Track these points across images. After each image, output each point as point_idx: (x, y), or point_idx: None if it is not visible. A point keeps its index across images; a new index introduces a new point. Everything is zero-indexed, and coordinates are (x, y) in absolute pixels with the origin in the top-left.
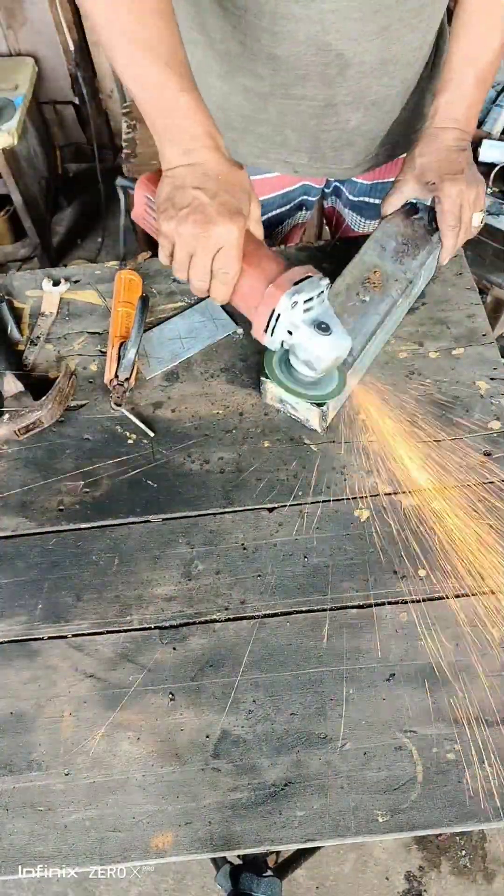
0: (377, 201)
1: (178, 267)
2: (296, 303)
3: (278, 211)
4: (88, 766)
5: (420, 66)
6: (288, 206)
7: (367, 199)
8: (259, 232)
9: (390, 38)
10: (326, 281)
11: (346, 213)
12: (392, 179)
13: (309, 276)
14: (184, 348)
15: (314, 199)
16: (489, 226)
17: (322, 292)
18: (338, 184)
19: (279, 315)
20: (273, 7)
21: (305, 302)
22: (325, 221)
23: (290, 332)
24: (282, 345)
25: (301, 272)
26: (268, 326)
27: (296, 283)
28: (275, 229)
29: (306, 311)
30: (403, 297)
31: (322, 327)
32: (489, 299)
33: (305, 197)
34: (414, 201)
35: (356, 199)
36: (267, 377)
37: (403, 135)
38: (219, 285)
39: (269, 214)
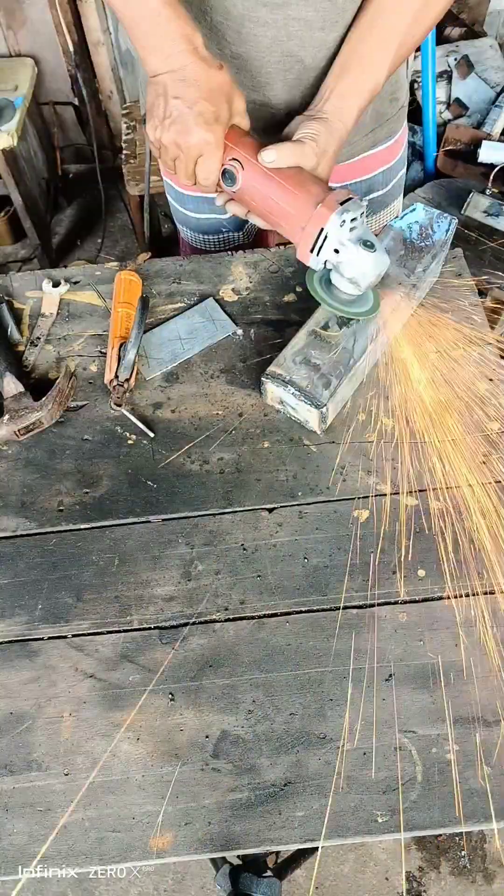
0: None
1: (166, 169)
2: (344, 221)
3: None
4: (88, 766)
5: None
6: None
7: None
8: (245, 123)
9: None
10: (366, 201)
11: None
12: (359, 179)
13: (351, 198)
14: (183, 349)
15: None
16: (488, 227)
17: (363, 212)
18: None
19: (327, 234)
20: (241, 10)
21: (351, 221)
22: None
23: (336, 251)
24: (324, 265)
25: (344, 194)
26: (314, 246)
27: (341, 203)
28: (246, 224)
29: (351, 229)
30: (407, 300)
31: (367, 244)
32: (488, 300)
33: None
34: (422, 209)
35: None
36: (313, 297)
37: (361, 138)
38: (201, 188)
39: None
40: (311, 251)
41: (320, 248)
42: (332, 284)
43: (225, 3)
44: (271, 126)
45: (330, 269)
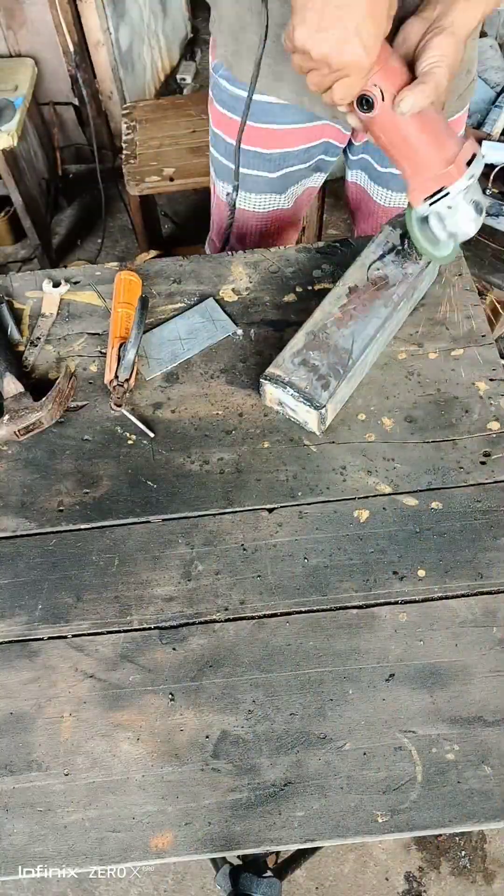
0: None
1: (298, 69)
2: (468, 187)
3: (298, 167)
4: (88, 766)
5: None
6: (307, 165)
7: (394, 171)
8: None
9: None
10: (484, 157)
11: (372, 186)
12: None
13: (475, 154)
14: (183, 349)
15: (332, 159)
16: (488, 227)
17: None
18: (365, 155)
19: (447, 193)
20: None
21: (471, 181)
22: (346, 200)
23: (449, 207)
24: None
25: (470, 149)
26: (431, 197)
27: (468, 163)
28: (291, 187)
29: (469, 189)
30: (405, 300)
31: (478, 207)
32: (488, 300)
33: (324, 157)
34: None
35: (384, 170)
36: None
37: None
38: (334, 102)
39: (289, 169)
40: (426, 200)
41: (436, 200)
42: (425, 224)
43: None
44: None
45: (429, 214)
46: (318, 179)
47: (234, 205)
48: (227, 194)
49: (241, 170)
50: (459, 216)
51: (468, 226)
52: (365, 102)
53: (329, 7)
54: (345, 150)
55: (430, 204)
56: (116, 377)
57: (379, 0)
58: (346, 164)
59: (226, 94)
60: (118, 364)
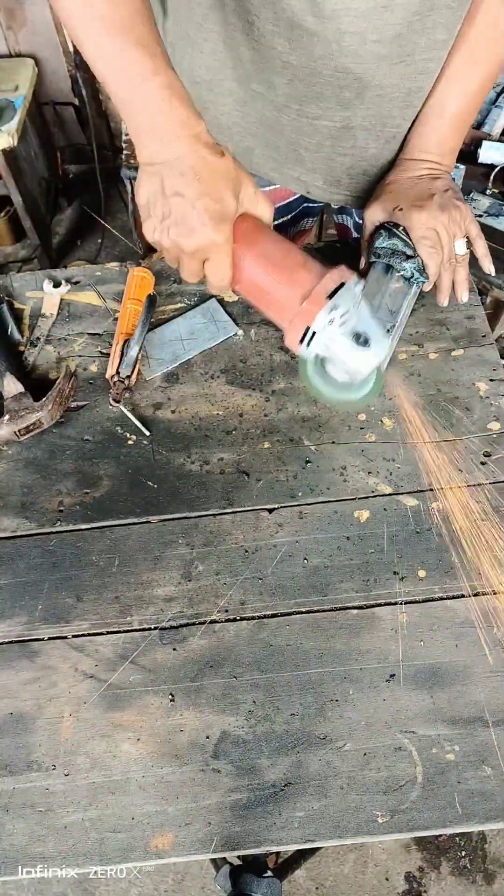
0: None
1: (172, 263)
2: (332, 320)
3: (281, 220)
4: (88, 766)
5: None
6: (291, 216)
7: None
8: (263, 211)
9: (415, 67)
10: (361, 284)
11: (354, 234)
12: None
13: (343, 283)
14: (184, 350)
15: (317, 206)
16: (489, 227)
17: (358, 300)
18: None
19: (315, 332)
20: (290, 15)
21: (342, 316)
22: (336, 235)
23: (327, 346)
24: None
25: (336, 279)
26: (303, 339)
27: (330, 295)
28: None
29: (343, 324)
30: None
31: (361, 340)
32: (488, 300)
33: (307, 205)
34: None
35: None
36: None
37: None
38: (214, 287)
39: (273, 223)
40: (301, 342)
41: (309, 341)
42: (324, 370)
43: (274, 8)
44: (327, 140)
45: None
46: (306, 224)
47: None
48: None
49: None
50: (341, 353)
51: (355, 363)
52: None
53: (165, 195)
54: None
55: (308, 346)
56: (118, 373)
57: (215, 174)
58: (331, 206)
59: None
60: (121, 360)
